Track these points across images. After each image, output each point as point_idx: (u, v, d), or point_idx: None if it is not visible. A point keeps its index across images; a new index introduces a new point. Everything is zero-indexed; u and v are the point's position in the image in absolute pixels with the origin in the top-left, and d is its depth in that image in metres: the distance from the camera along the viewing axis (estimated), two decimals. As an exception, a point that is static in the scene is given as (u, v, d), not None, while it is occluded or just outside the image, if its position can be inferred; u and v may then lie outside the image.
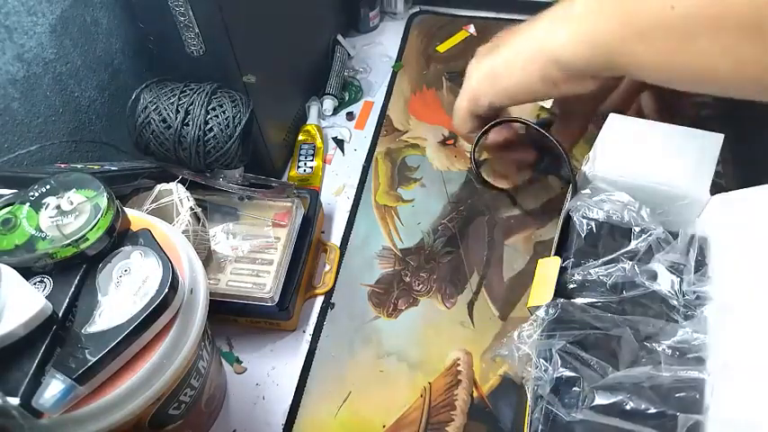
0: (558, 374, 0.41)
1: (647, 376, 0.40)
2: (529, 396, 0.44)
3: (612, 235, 0.47)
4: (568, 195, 0.53)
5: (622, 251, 0.45)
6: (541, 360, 0.42)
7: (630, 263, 0.45)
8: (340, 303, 0.64)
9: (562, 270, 0.46)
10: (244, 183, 0.62)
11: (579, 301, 0.44)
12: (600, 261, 0.45)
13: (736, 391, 0.37)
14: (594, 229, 0.47)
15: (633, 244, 0.45)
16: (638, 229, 0.46)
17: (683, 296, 0.43)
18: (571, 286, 0.45)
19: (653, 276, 0.44)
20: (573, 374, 0.41)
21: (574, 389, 0.41)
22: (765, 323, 0.38)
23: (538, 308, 0.44)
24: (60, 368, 0.35)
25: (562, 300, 0.43)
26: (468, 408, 0.56)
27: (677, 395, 0.39)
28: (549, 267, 0.47)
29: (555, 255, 0.48)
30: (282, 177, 0.74)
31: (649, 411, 0.39)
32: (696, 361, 0.40)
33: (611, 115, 0.50)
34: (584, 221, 0.48)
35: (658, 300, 0.44)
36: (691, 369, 0.40)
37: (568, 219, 0.49)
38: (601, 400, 0.40)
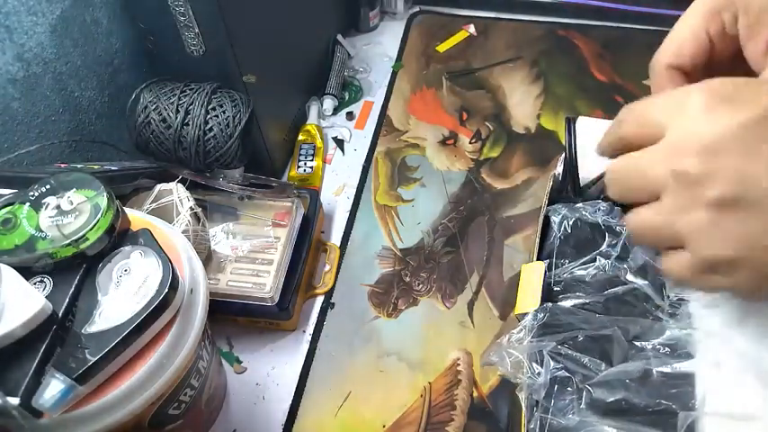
0: (551, 376, 0.41)
1: (640, 372, 0.40)
2: (523, 405, 0.43)
3: (590, 234, 0.47)
4: (545, 199, 0.53)
5: (599, 250, 0.46)
6: (533, 364, 0.42)
7: (607, 261, 0.45)
8: (340, 303, 0.64)
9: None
10: (244, 183, 0.62)
11: (566, 303, 0.44)
12: (579, 261, 0.46)
13: (729, 386, 0.38)
14: (570, 229, 0.48)
15: (608, 242, 0.46)
16: (612, 226, 0.46)
17: (666, 296, 0.43)
18: (556, 288, 0.46)
19: (632, 273, 0.44)
20: (566, 375, 0.41)
21: (568, 389, 0.41)
22: (751, 316, 0.38)
23: (525, 315, 0.44)
24: (60, 368, 0.35)
25: (550, 304, 0.44)
26: (468, 408, 0.56)
27: (671, 390, 0.39)
28: (533, 273, 0.47)
29: (537, 259, 0.49)
30: (282, 177, 0.74)
31: (646, 409, 0.39)
32: (686, 356, 0.41)
33: (581, 118, 0.49)
34: (561, 222, 0.48)
35: (642, 297, 0.44)
36: (682, 362, 0.40)
37: (547, 221, 0.49)
38: (595, 397, 0.40)
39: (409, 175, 0.74)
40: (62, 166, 0.54)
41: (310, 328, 0.62)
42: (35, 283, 0.39)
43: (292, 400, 0.57)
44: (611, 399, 0.40)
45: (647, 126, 0.30)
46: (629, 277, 0.44)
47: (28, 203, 0.40)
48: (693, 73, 0.35)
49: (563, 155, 0.49)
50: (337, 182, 0.74)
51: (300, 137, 0.76)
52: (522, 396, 0.43)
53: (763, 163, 0.26)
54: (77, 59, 0.58)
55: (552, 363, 0.41)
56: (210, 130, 0.57)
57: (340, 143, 0.77)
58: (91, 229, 0.39)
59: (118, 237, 0.41)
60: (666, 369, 0.40)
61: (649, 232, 0.30)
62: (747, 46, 0.32)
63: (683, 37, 0.35)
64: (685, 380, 0.40)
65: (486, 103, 0.80)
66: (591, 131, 0.49)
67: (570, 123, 0.39)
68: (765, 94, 0.26)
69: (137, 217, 0.46)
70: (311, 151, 0.74)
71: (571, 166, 0.39)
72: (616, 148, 0.32)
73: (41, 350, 0.36)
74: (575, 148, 0.39)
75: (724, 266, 0.28)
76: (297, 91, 0.77)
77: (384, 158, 0.76)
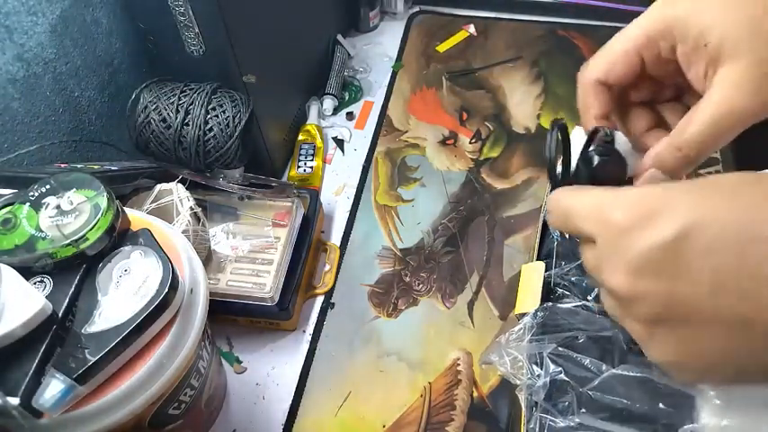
0: (551, 378, 0.41)
1: (640, 375, 0.40)
2: (523, 405, 0.43)
3: None
4: (546, 199, 0.53)
5: None
6: (533, 366, 0.42)
7: None
8: (340, 303, 0.64)
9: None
10: (244, 183, 0.62)
11: (565, 305, 0.44)
12: (577, 262, 0.46)
13: (729, 394, 0.37)
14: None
15: None
16: None
17: None
18: (555, 289, 0.46)
19: None
20: (565, 378, 0.41)
21: (568, 392, 0.41)
22: None
23: (525, 314, 0.44)
24: (60, 368, 0.35)
25: (549, 304, 0.44)
26: (468, 408, 0.56)
27: (671, 396, 0.39)
28: (533, 273, 0.47)
29: (537, 259, 0.48)
30: (282, 177, 0.74)
31: (645, 414, 0.39)
32: None
33: (577, 128, 0.49)
34: None
35: None
36: None
37: (546, 222, 0.49)
38: (595, 399, 0.40)
39: (409, 175, 0.74)
40: (62, 166, 0.54)
41: (310, 328, 0.62)
42: (35, 283, 0.39)
43: (292, 400, 0.57)
44: (611, 402, 0.40)
45: (576, 233, 0.31)
46: None
47: (28, 203, 0.40)
48: (620, 89, 0.37)
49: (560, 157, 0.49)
50: (337, 182, 0.74)
51: (300, 137, 0.76)
52: (521, 396, 0.43)
53: (684, 284, 0.26)
54: (77, 59, 0.58)
55: (552, 365, 0.41)
56: (210, 130, 0.57)
57: (340, 143, 0.77)
58: (91, 229, 0.39)
59: (118, 237, 0.41)
60: (667, 380, 0.40)
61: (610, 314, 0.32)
62: (688, 72, 0.34)
63: (616, 58, 0.36)
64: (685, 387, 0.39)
65: (486, 103, 0.80)
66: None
67: (554, 129, 0.39)
68: (681, 209, 0.26)
69: (137, 217, 0.46)
70: (311, 151, 0.74)
71: (551, 172, 0.39)
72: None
73: (41, 350, 0.36)
74: (554, 153, 0.39)
75: (666, 367, 0.29)
76: (297, 91, 0.77)
77: (384, 158, 0.76)
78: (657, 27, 0.34)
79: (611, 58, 0.36)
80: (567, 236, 0.48)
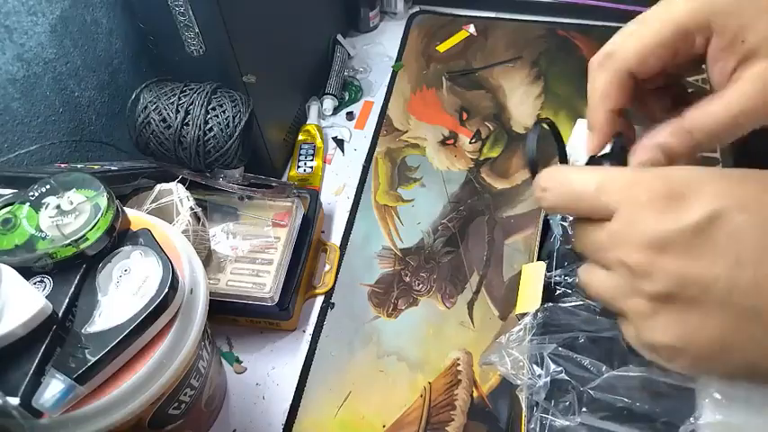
0: (552, 378, 0.41)
1: (641, 377, 0.40)
2: (523, 405, 0.43)
3: None
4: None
5: None
6: (534, 366, 0.42)
7: None
8: (340, 303, 0.64)
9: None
10: (244, 183, 0.62)
11: (566, 304, 0.44)
12: (579, 262, 0.46)
13: (731, 397, 0.37)
14: (570, 230, 0.48)
15: None
16: None
17: None
18: (556, 289, 0.45)
19: None
20: (566, 378, 0.41)
21: (569, 393, 0.41)
22: None
23: (525, 315, 0.44)
24: (60, 368, 0.35)
25: (550, 304, 0.43)
26: (468, 408, 0.56)
27: (672, 398, 0.39)
28: (534, 273, 0.47)
29: (538, 260, 0.48)
30: (282, 177, 0.74)
31: (646, 415, 0.39)
32: None
33: (580, 120, 0.49)
34: (561, 223, 0.48)
35: None
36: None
37: (547, 222, 0.49)
38: (596, 401, 0.40)
39: (409, 175, 0.74)
40: (62, 166, 0.54)
41: (310, 328, 0.62)
42: (35, 283, 0.39)
43: (292, 400, 0.57)
44: (612, 401, 0.39)
45: (587, 209, 0.30)
46: None
47: (28, 203, 0.40)
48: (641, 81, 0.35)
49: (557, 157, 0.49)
50: (337, 182, 0.74)
51: (300, 137, 0.76)
52: (521, 396, 0.43)
53: (704, 265, 0.27)
54: (77, 59, 0.58)
55: (552, 365, 0.41)
56: (210, 130, 0.57)
57: (340, 143, 0.77)
58: (91, 229, 0.39)
59: (118, 237, 0.41)
60: (668, 379, 0.40)
61: (598, 298, 0.32)
62: (714, 66, 0.33)
63: (653, 50, 0.33)
64: (687, 388, 0.39)
65: (486, 103, 0.80)
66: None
67: (534, 129, 0.38)
68: (711, 194, 0.27)
69: (137, 217, 0.46)
70: (311, 151, 0.74)
71: (533, 171, 0.39)
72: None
73: (41, 350, 0.36)
74: (535, 153, 0.38)
75: (664, 351, 0.29)
76: (297, 91, 0.77)
77: (384, 158, 0.76)
78: (699, 19, 0.32)
79: (647, 50, 0.33)
80: (570, 231, 0.48)
